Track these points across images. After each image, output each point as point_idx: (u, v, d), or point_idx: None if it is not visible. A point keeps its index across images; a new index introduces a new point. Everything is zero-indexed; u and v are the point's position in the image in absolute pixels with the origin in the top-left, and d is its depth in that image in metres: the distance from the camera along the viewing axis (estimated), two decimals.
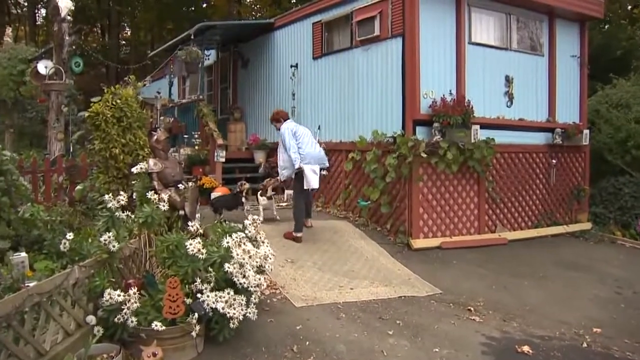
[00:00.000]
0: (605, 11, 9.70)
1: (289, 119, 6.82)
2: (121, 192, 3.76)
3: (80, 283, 3.29)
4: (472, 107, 6.85)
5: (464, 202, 7.28)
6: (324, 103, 8.77)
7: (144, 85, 8.62)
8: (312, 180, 6.55)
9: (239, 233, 3.73)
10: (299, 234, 6.45)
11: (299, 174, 6.46)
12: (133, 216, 3.81)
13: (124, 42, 27.48)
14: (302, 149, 6.48)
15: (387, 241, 6.80)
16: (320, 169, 6.74)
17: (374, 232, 7.07)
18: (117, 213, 3.60)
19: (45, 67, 8.52)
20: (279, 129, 6.65)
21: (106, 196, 3.61)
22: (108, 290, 3.28)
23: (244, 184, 7.20)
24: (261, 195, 7.15)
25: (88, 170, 6.85)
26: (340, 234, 6.76)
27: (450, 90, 6.99)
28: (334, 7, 8.35)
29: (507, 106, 7.81)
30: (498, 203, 7.65)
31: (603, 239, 8.08)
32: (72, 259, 3.53)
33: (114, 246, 3.39)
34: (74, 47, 9.49)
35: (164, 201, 3.89)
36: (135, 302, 3.30)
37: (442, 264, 6.26)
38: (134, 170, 4.67)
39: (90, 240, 3.62)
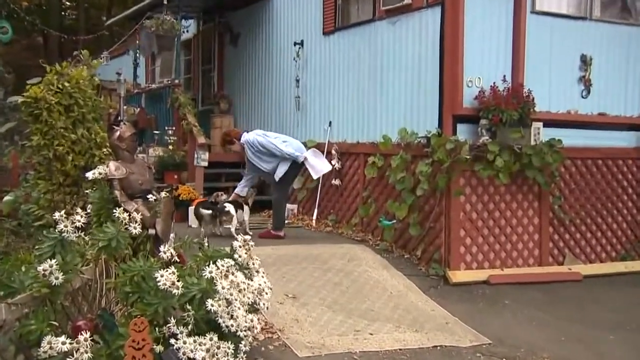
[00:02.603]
0: None
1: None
2: (78, 210, 3.70)
3: (8, 327, 3.20)
4: (532, 99, 6.79)
5: (520, 223, 7.21)
6: (336, 92, 8.78)
7: (102, 63, 8.64)
8: (321, 167, 7.75)
9: (226, 259, 3.67)
10: (280, 232, 7.59)
11: (288, 170, 7.56)
12: (87, 237, 3.74)
13: (68, 2, 26.55)
14: (287, 141, 7.65)
15: (418, 272, 6.76)
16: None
17: (401, 261, 7.04)
18: (67, 234, 3.53)
19: None
20: (238, 149, 7.73)
21: (57, 214, 3.54)
22: (48, 337, 3.20)
23: (221, 194, 7.80)
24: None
25: (21, 174, 6.80)
26: (356, 262, 6.75)
27: (503, 77, 6.92)
28: None
29: (583, 96, 7.71)
30: (568, 226, 7.55)
31: None
32: None
33: (57, 278, 3.31)
34: None
35: (136, 221, 3.83)
36: (86, 352, 3.22)
37: (491, 304, 6.19)
38: (89, 175, 4.63)
39: (24, 269, 3.55)
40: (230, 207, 7.51)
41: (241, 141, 7.64)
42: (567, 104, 7.55)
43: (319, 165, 7.74)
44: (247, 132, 7.86)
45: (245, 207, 7.77)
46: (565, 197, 7.52)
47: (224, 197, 7.86)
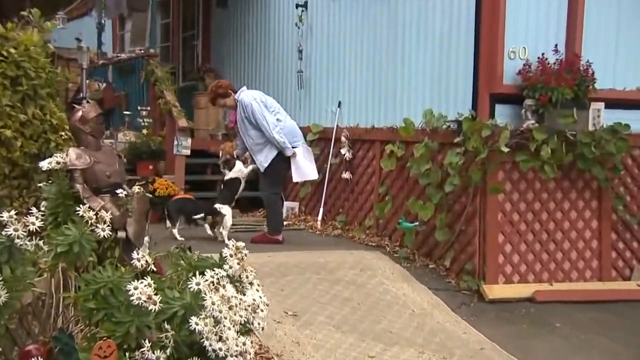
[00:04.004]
0: None
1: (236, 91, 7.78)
2: (33, 210, 3.65)
3: None
4: (592, 73, 6.73)
5: (574, 227, 7.18)
6: (348, 66, 8.80)
7: (57, 26, 8.62)
8: (307, 170, 7.79)
9: (216, 270, 3.63)
10: (278, 236, 7.71)
11: (275, 160, 7.56)
12: (40, 242, 3.69)
13: None
14: (282, 121, 7.64)
15: (446, 286, 6.79)
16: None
17: (425, 271, 7.07)
18: (19, 240, 3.48)
19: None
20: (233, 105, 7.74)
21: (4, 215, 3.50)
22: None
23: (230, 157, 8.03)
24: (225, 169, 7.97)
25: None
26: (370, 272, 6.77)
27: (555, 46, 6.87)
28: None
29: None
30: (636, 231, 7.48)
31: None
32: None
33: None
34: None
35: (105, 221, 3.78)
36: None
37: (537, 326, 6.15)
38: (43, 165, 4.61)
39: None
40: (223, 207, 7.59)
41: (236, 97, 7.65)
42: (637, 80, 7.45)
43: (306, 168, 7.78)
44: (247, 89, 7.87)
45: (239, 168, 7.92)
46: (632, 195, 7.44)
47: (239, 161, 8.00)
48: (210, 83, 10.86)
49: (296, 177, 7.87)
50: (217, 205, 7.61)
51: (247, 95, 7.58)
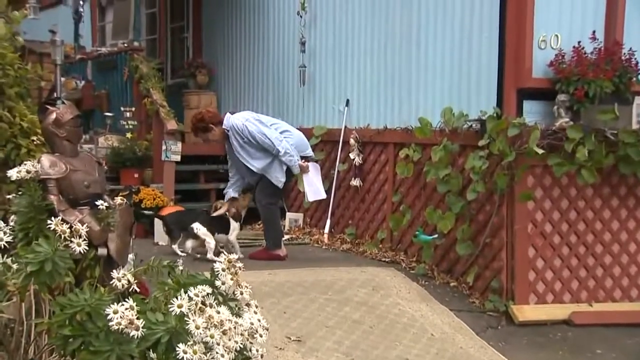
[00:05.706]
0: None
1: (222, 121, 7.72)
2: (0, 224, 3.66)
3: None
4: (636, 64, 6.72)
5: (616, 239, 7.15)
6: (356, 59, 8.83)
7: (27, 16, 8.66)
8: (320, 188, 7.97)
9: (203, 287, 3.61)
10: (279, 251, 7.75)
11: (287, 170, 7.64)
12: (8, 261, 3.69)
13: None
14: (289, 131, 7.75)
15: (469, 306, 6.79)
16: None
17: (445, 290, 7.09)
18: None
19: None
20: (218, 139, 7.77)
21: None
22: None
23: (221, 204, 7.96)
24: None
25: None
26: (384, 292, 6.79)
27: (593, 33, 6.88)
28: None
29: None
30: None
31: None
32: None
33: None
34: None
35: (80, 236, 3.77)
36: None
37: (575, 353, 6.12)
38: (12, 174, 4.61)
39: None
40: (199, 227, 7.54)
41: (224, 126, 7.57)
42: None
43: (318, 184, 7.92)
44: (232, 113, 7.79)
45: (233, 224, 7.76)
46: None
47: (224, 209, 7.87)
48: (202, 80, 10.99)
49: (311, 196, 7.96)
50: (193, 226, 7.54)
51: (237, 120, 7.54)
